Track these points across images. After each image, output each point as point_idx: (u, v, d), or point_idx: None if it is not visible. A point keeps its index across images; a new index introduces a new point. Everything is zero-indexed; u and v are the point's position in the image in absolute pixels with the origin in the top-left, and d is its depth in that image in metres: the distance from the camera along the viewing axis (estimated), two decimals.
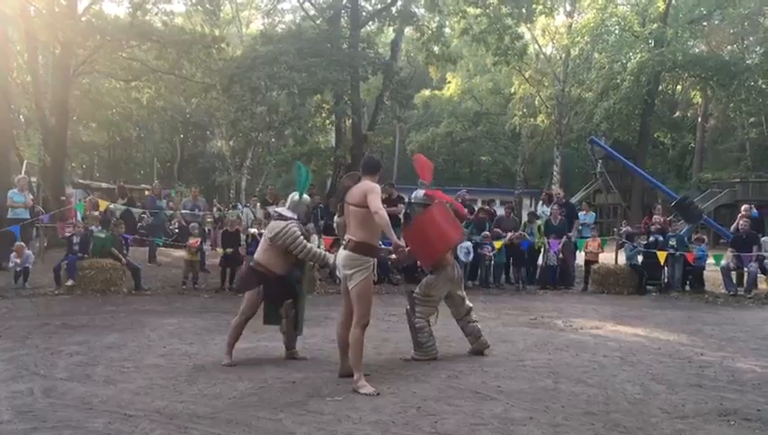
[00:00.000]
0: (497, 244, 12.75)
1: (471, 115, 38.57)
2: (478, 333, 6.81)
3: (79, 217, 13.39)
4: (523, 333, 8.08)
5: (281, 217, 6.26)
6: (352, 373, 5.29)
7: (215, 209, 18.60)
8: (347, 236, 5.32)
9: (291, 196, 6.52)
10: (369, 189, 5.16)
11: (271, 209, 6.55)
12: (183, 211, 15.29)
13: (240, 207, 21.20)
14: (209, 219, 17.07)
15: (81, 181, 29.67)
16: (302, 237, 6.09)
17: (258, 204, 15.08)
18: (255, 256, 6.37)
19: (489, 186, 39.80)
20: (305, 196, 6.55)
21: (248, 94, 16.99)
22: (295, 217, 6.28)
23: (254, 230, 12.24)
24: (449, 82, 39.21)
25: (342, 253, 5.35)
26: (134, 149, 41.47)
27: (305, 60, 16.42)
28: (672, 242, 12.57)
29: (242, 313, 6.29)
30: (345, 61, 17.24)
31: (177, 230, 17.05)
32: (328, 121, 21.21)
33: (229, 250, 11.77)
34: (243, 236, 12.34)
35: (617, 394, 5.18)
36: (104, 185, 29.42)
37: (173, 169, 42.11)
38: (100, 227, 12.32)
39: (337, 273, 5.45)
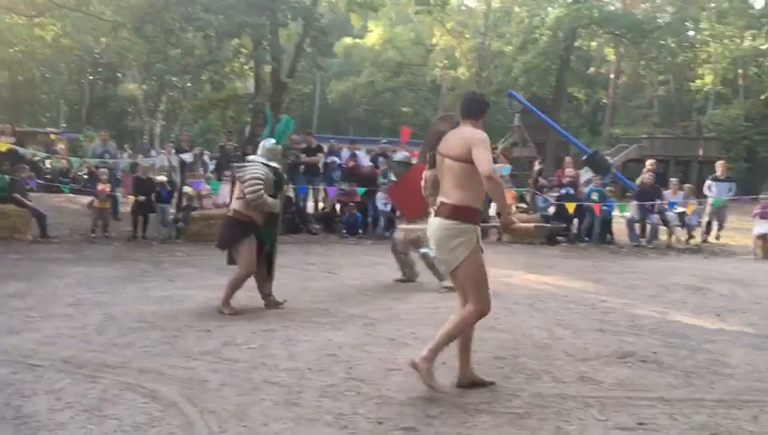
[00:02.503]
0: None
1: (392, 65, 38.35)
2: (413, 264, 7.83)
3: None
4: (439, 281, 8.25)
5: (244, 166, 6.26)
6: (475, 380, 4.15)
7: (126, 155, 17.91)
8: (439, 199, 4.07)
9: (264, 143, 6.45)
10: (477, 141, 3.89)
11: (251, 157, 6.38)
12: (92, 157, 14.63)
13: (154, 153, 20.55)
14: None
15: None
16: (260, 186, 5.98)
17: (173, 151, 14.61)
18: (233, 205, 6.22)
19: (410, 137, 39.95)
20: (278, 144, 6.53)
21: (162, 35, 16.26)
22: (271, 163, 6.28)
23: (162, 178, 11.90)
24: (371, 31, 38.73)
25: (435, 223, 4.05)
26: (38, 90, 39.13)
27: (223, 1, 15.82)
28: (594, 196, 12.99)
29: (248, 268, 6.12)
30: (264, 4, 16.68)
31: (85, 176, 16.38)
32: (246, 67, 20.64)
33: (141, 198, 11.41)
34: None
35: (525, 339, 5.39)
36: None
37: (81, 113, 40.11)
38: None
39: (426, 251, 4.30)
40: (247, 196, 5.99)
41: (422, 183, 4.81)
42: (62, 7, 18.76)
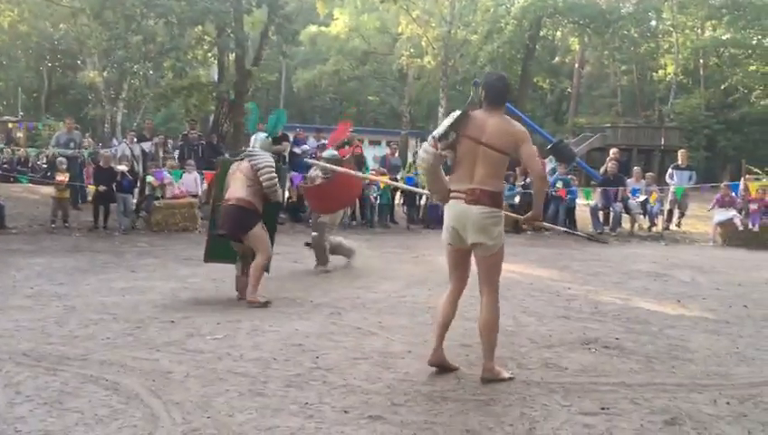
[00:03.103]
0: (382, 184, 12.85)
1: (358, 54, 38.11)
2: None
3: None
4: (406, 270, 8.27)
5: (254, 155, 6.29)
6: (444, 362, 4.19)
7: (86, 143, 17.51)
8: (471, 186, 3.97)
9: (257, 136, 6.50)
10: (527, 138, 3.98)
11: (253, 148, 6.39)
12: (55, 147, 14.27)
13: (116, 142, 20.15)
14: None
15: None
16: (275, 174, 6.15)
17: (135, 139, 14.34)
18: (234, 193, 6.09)
19: (376, 126, 39.87)
20: (269, 138, 6.63)
21: (122, 21, 15.91)
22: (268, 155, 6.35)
23: (122, 167, 11.70)
24: (336, 19, 38.44)
25: (470, 209, 3.97)
26: None
27: None
28: (559, 184, 13.12)
29: (268, 252, 6.17)
30: None
31: (45, 166, 16.04)
32: (210, 55, 20.34)
33: (102, 188, 11.20)
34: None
35: None
36: None
37: (40, 101, 39.17)
38: None
39: (444, 235, 4.14)
40: (264, 183, 6.05)
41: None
42: None
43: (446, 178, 4.21)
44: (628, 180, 13.61)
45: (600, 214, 13.25)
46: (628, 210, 13.05)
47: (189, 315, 5.55)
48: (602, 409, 3.64)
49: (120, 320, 5.34)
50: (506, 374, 4.09)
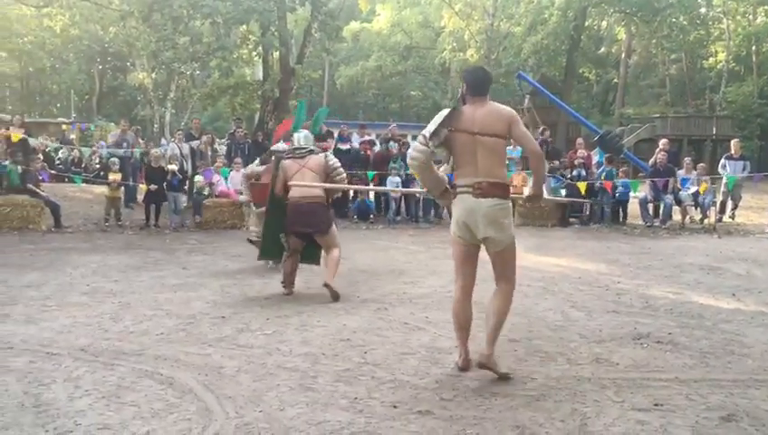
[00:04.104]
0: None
1: (401, 49, 38.14)
2: None
3: None
4: (451, 265, 8.23)
5: (311, 151, 6.50)
6: (468, 364, 4.10)
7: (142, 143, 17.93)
8: (477, 180, 3.93)
9: (304, 135, 6.66)
10: (516, 118, 4.01)
11: (283, 146, 6.66)
12: (108, 148, 14.65)
13: (164, 141, 20.56)
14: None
15: None
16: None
17: (183, 138, 14.60)
18: (310, 192, 6.28)
19: (419, 121, 39.84)
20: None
21: (169, 23, 16.25)
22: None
23: (172, 166, 11.93)
24: (378, 15, 38.53)
25: (479, 202, 3.93)
26: (49, 80, 39.25)
27: None
28: (603, 177, 12.92)
29: (338, 246, 6.46)
30: None
31: (97, 166, 16.45)
32: (254, 53, 20.61)
33: (153, 186, 11.46)
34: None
35: (539, 322, 5.38)
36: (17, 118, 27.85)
37: (92, 103, 40.23)
38: (9, 161, 11.57)
39: (454, 229, 4.08)
40: (338, 181, 6.45)
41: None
42: None
43: (440, 173, 4.22)
44: (679, 172, 13.31)
45: (650, 206, 12.99)
46: (678, 202, 12.76)
47: (239, 311, 5.65)
48: (656, 405, 3.58)
49: (173, 316, 5.46)
50: (502, 369, 3.96)
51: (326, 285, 6.16)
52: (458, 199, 4.04)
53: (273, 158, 7.25)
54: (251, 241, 8.10)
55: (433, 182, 4.18)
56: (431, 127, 3.95)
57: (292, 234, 6.40)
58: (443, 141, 3.98)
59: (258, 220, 7.91)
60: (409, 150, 4.11)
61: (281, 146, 7.64)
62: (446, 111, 4.00)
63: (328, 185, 6.39)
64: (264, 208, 7.31)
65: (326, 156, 6.56)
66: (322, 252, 6.53)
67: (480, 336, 4.21)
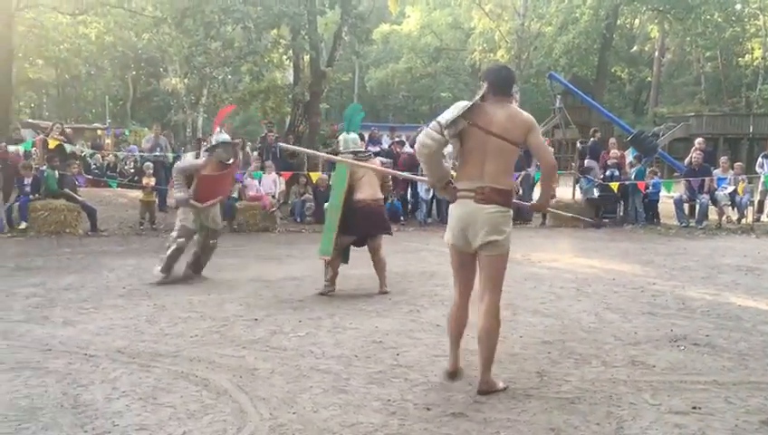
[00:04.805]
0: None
1: (431, 51, 38.13)
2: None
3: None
4: None
5: (358, 153, 6.64)
6: (457, 371, 3.91)
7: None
8: (481, 185, 3.72)
9: (353, 137, 6.76)
10: (535, 126, 3.78)
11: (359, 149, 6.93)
12: (141, 152, 14.87)
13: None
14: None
15: (29, 120, 28.67)
16: None
17: None
18: (375, 194, 6.51)
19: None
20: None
21: (201, 29, 16.46)
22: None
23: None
24: (408, 17, 38.55)
25: (480, 208, 3.72)
26: (84, 86, 39.97)
27: None
28: (633, 177, 12.77)
29: (379, 249, 6.70)
30: None
31: (132, 170, 16.70)
32: (285, 57, 20.75)
33: None
34: None
35: (572, 323, 5.33)
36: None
37: (126, 108, 40.87)
38: (46, 166, 11.81)
39: (449, 236, 3.87)
40: (387, 186, 6.77)
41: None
42: (104, 5, 19.20)
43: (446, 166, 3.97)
44: (715, 171, 13.07)
45: (686, 206, 12.79)
46: (714, 202, 12.53)
47: (272, 313, 5.69)
48: (693, 408, 3.51)
49: (207, 318, 5.52)
50: (501, 384, 3.83)
51: (383, 292, 6.56)
52: (457, 203, 3.81)
53: (218, 149, 7.10)
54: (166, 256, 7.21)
55: (439, 174, 3.89)
56: (448, 115, 3.69)
57: (362, 235, 6.59)
58: (458, 133, 3.74)
59: (195, 217, 7.21)
60: (420, 136, 3.81)
61: (223, 136, 7.28)
62: (467, 103, 3.78)
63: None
64: (208, 204, 7.14)
65: (380, 159, 6.75)
66: (373, 256, 6.72)
67: (524, 339, 4.18)
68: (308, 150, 7.61)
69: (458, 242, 3.81)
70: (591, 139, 14.62)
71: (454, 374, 3.88)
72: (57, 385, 3.89)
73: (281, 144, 10.14)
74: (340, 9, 18.07)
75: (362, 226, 6.46)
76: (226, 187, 7.93)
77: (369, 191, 6.41)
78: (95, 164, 19.19)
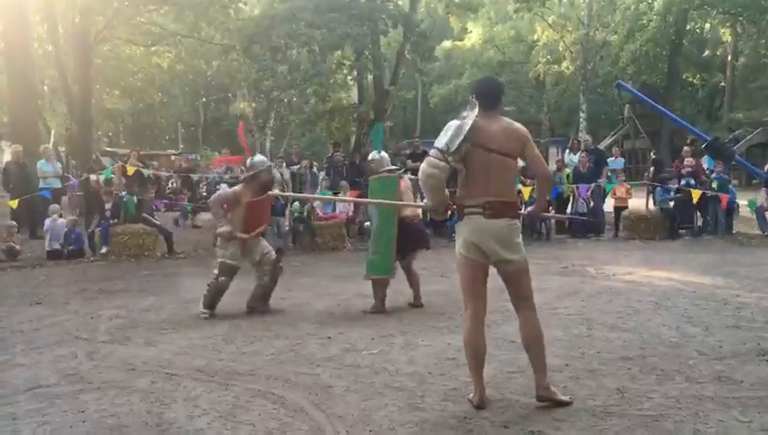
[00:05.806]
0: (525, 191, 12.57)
1: (494, 65, 37.87)
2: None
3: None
4: (555, 281, 8.06)
5: (391, 171, 6.79)
6: (483, 401, 3.79)
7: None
8: (489, 199, 3.71)
9: (381, 155, 6.84)
10: (528, 138, 3.83)
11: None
12: (212, 175, 15.31)
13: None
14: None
15: (107, 149, 29.94)
16: None
17: (284, 164, 15.07)
18: (416, 211, 6.93)
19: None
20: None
21: (268, 54, 16.92)
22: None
23: (274, 192, 12.22)
24: (470, 32, 38.52)
25: (492, 223, 3.71)
26: (158, 114, 41.51)
27: (324, 16, 16.26)
28: (714, 185, 12.34)
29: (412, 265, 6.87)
30: (364, 15, 17.01)
31: (204, 193, 17.14)
32: (349, 77, 21.06)
33: None
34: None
35: (652, 338, 5.16)
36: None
37: (197, 134, 42.22)
38: (125, 192, 12.21)
39: (462, 251, 3.80)
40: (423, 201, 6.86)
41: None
42: (175, 35, 19.93)
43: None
44: None
45: (767, 214, 12.23)
46: None
47: (344, 331, 5.73)
48: None
49: (282, 336, 5.61)
50: (564, 398, 3.76)
51: (419, 305, 6.69)
52: (466, 220, 3.79)
53: (262, 174, 6.81)
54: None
55: (441, 200, 3.91)
56: (448, 140, 3.67)
57: (409, 252, 6.73)
58: (462, 157, 3.72)
59: (241, 249, 6.74)
60: (423, 166, 3.80)
61: (260, 158, 7.10)
62: (463, 124, 3.71)
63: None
64: (255, 233, 6.72)
65: (409, 177, 6.94)
66: (408, 271, 6.86)
67: (602, 355, 4.07)
68: (301, 195, 7.50)
69: (472, 254, 3.79)
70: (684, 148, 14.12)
71: (482, 406, 3.77)
72: (141, 404, 4.02)
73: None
74: (403, 28, 18.24)
75: (412, 241, 6.72)
76: (269, 212, 7.72)
77: (412, 209, 6.74)
78: (170, 188, 19.81)
